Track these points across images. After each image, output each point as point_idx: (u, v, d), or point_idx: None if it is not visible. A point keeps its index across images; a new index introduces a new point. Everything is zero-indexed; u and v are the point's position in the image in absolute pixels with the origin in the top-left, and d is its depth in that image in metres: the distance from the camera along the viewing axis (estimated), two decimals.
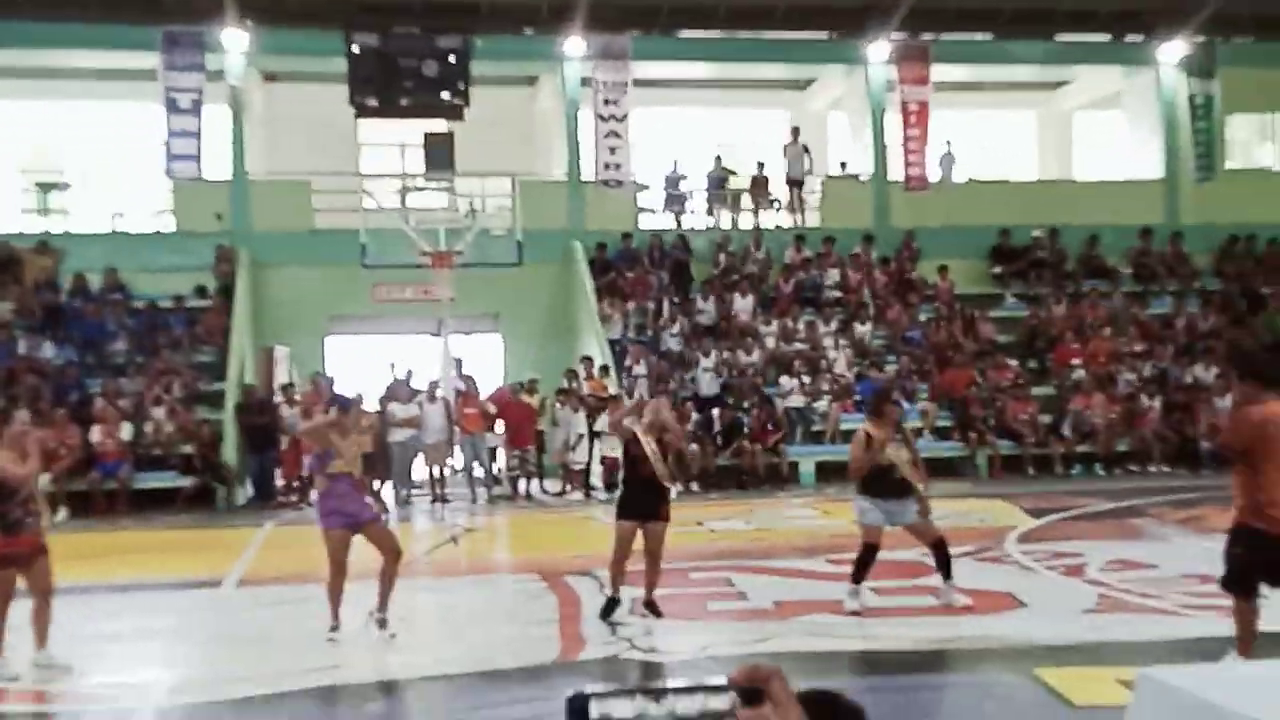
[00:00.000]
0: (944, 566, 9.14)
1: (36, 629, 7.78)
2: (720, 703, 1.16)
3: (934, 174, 23.77)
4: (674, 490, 9.19)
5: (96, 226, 22.13)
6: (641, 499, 8.94)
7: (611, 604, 9.06)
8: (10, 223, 22.06)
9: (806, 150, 23.45)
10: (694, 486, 17.86)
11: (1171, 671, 4.05)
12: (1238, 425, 6.86)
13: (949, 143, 24.14)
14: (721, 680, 1.18)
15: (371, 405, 18.01)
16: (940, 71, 23.45)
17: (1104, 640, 7.90)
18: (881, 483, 9.04)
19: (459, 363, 19.04)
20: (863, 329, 21.13)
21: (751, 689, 1.19)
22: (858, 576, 9.06)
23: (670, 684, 1.18)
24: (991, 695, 7.04)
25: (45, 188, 22.31)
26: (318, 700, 7.28)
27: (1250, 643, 6.71)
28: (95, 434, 17.18)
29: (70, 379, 18.44)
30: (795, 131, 23.64)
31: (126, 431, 17.46)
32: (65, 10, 20.73)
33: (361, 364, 20.73)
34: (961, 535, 10.13)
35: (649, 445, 8.90)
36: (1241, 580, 6.73)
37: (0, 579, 7.65)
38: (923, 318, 21.78)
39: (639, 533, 8.90)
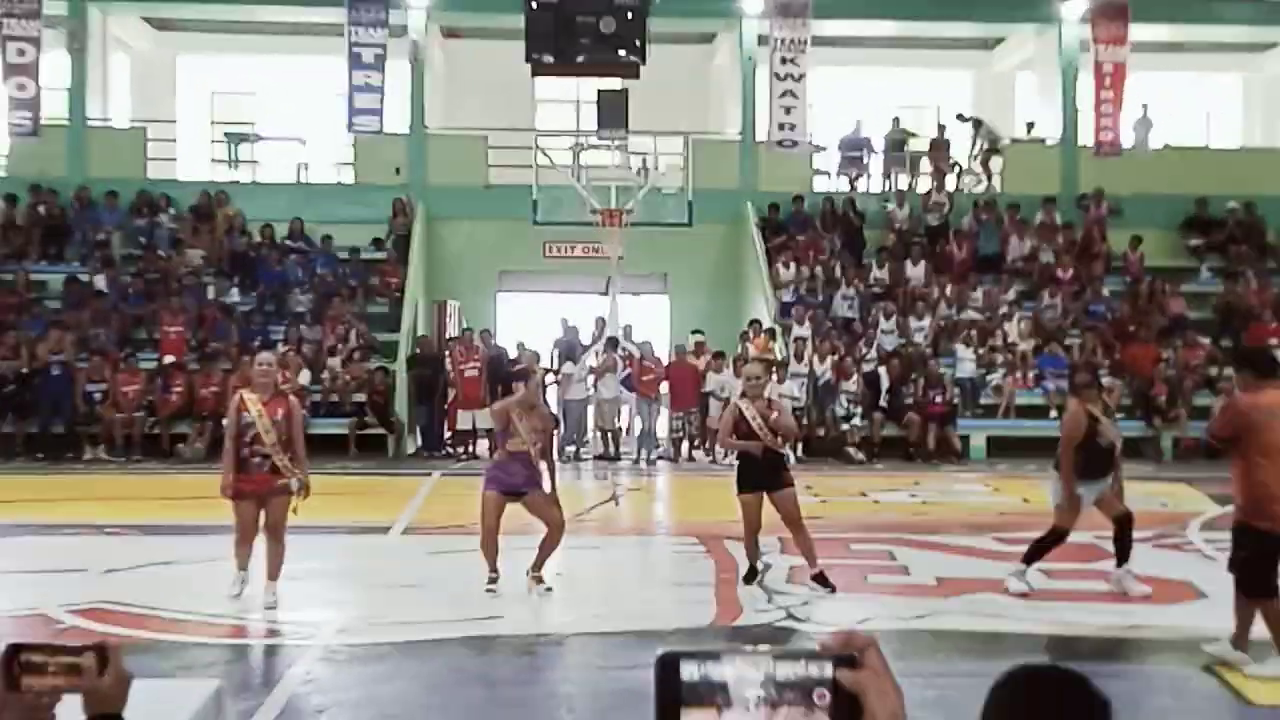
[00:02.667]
0: (1124, 549, 8.69)
1: (269, 563, 8.19)
2: (819, 670, 1.13)
3: (1127, 139, 22.67)
4: (791, 455, 8.98)
5: (282, 177, 22.89)
6: (758, 469, 8.77)
7: (752, 572, 8.97)
8: (202, 173, 22.99)
9: (979, 121, 22.71)
10: (858, 455, 17.55)
11: None
12: (1226, 413, 7.04)
13: (1145, 106, 22.97)
14: (817, 648, 1.15)
15: (544, 363, 18.29)
16: (1139, 31, 22.27)
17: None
18: (1094, 464, 8.54)
19: (628, 328, 19.09)
20: (1045, 300, 20.36)
21: (847, 656, 1.16)
22: (1032, 558, 8.67)
23: (765, 648, 1.15)
24: (1164, 689, 6.71)
25: (235, 139, 23.14)
26: (475, 649, 7.39)
27: None
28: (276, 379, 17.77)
29: (255, 325, 19.15)
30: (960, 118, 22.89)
31: (304, 377, 18.04)
32: None
33: (531, 321, 20.98)
34: (1142, 520, 9.62)
35: (754, 419, 8.68)
36: (1260, 582, 6.58)
37: (237, 511, 8.08)
38: (1109, 290, 20.86)
39: (770, 503, 8.75)
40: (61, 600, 8.20)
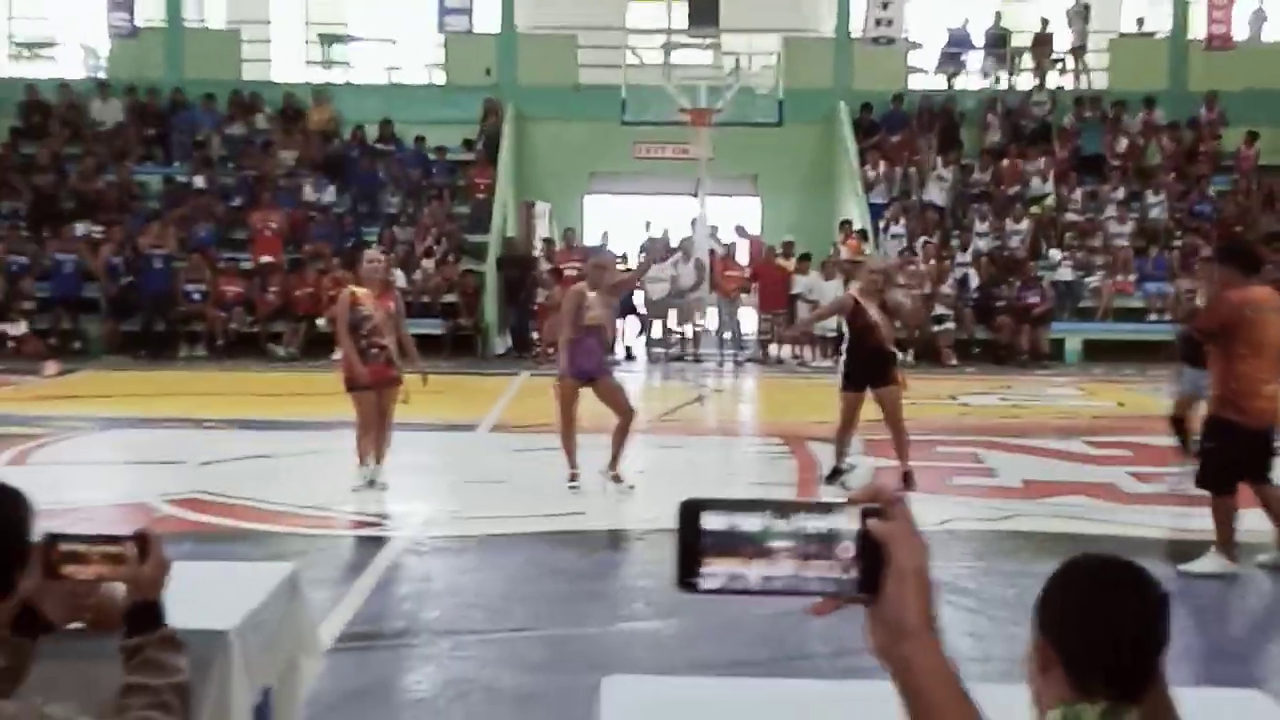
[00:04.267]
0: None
1: (378, 449, 8.47)
2: (846, 522, 1.12)
3: (1240, 32, 21.67)
4: (902, 356, 8.91)
5: (373, 78, 22.94)
6: (869, 368, 8.72)
7: (835, 473, 8.95)
8: (294, 73, 23.14)
9: (1088, 10, 21.80)
10: (952, 360, 17.32)
11: None
12: (1215, 307, 6.83)
13: None
14: (843, 499, 1.13)
15: (628, 262, 18.26)
16: None
17: None
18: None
19: (714, 229, 18.94)
20: (1149, 199, 19.73)
21: (875, 509, 1.13)
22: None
23: (795, 500, 1.13)
24: (1247, 592, 6.59)
25: (327, 40, 23.21)
26: (556, 544, 7.49)
27: (1232, 543, 6.57)
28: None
29: (348, 226, 19.38)
30: None
31: (400, 279, 18.25)
32: None
33: (621, 221, 20.93)
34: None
35: (874, 312, 8.62)
36: (1218, 477, 6.58)
37: (359, 401, 8.36)
38: (1215, 191, 20.12)
39: (875, 399, 8.71)
40: (159, 490, 8.48)
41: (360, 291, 8.37)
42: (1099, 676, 1.69)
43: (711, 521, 1.11)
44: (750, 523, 1.11)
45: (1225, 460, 6.56)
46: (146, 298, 17.73)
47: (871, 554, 1.12)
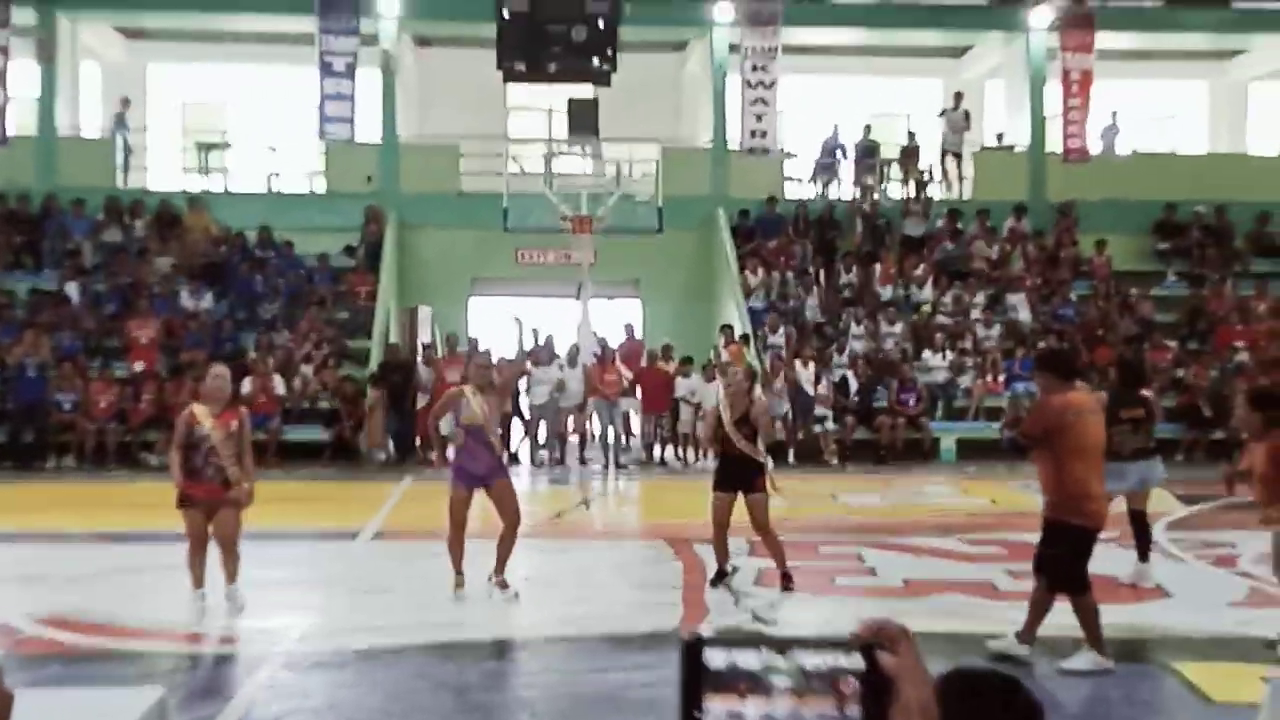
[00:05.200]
0: (1143, 546, 9.04)
1: (225, 570, 8.13)
2: (848, 659, 1.12)
3: (1095, 146, 22.87)
4: (769, 462, 9.03)
5: (253, 186, 22.80)
6: (734, 472, 8.84)
7: (720, 575, 8.99)
8: (172, 181, 22.89)
9: (968, 117, 22.78)
10: (832, 459, 17.61)
11: None
12: (1039, 412, 7.04)
13: (1114, 113, 23.19)
14: (846, 637, 1.14)
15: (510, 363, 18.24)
16: (1105, 39, 22.51)
17: (1250, 635, 7.49)
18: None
19: (601, 340, 19.11)
20: (1013, 303, 20.48)
21: (879, 645, 1.15)
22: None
23: (795, 636, 1.15)
24: (1126, 687, 6.74)
25: (205, 147, 23.07)
26: (440, 655, 7.36)
27: (1101, 639, 6.79)
28: (246, 386, 17.72)
29: (226, 332, 19.07)
30: (958, 97, 22.93)
31: (280, 386, 17.99)
32: None
33: (504, 326, 20.91)
34: (1109, 521, 9.71)
35: (728, 422, 8.76)
36: (1073, 578, 6.82)
37: (187, 519, 8.01)
38: (1076, 295, 21.01)
39: (743, 506, 8.81)
40: (24, 609, 8.14)
41: (199, 410, 8.09)
42: None
43: (714, 659, 1.12)
44: (752, 660, 1.12)
45: (1075, 562, 6.79)
46: (18, 408, 17.16)
47: (876, 689, 1.12)
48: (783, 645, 1.13)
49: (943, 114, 23.02)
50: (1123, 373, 9.89)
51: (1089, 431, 6.82)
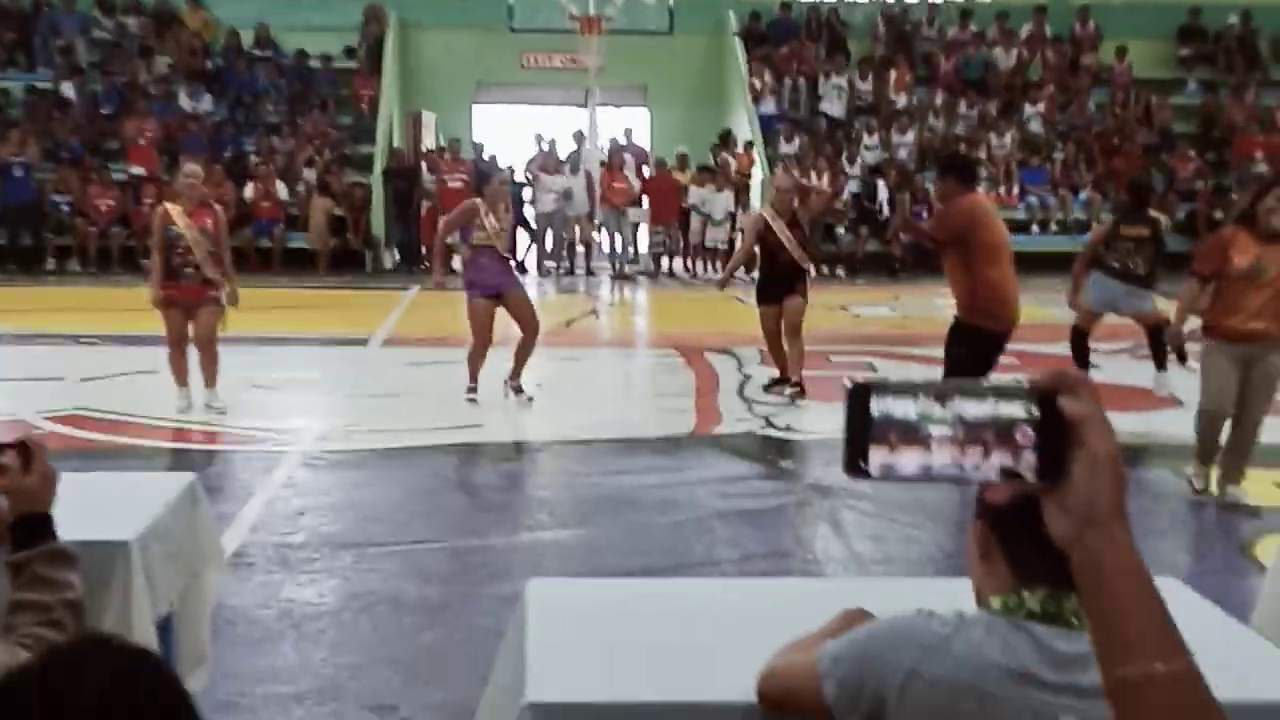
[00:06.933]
0: (1159, 357, 8.94)
1: (203, 372, 8.14)
2: (1014, 409, 1.03)
3: None
4: (812, 272, 9.00)
5: None
6: (781, 283, 8.82)
7: (775, 382, 8.99)
8: None
9: None
10: (839, 271, 17.51)
11: None
12: (946, 215, 7.00)
13: None
14: (1019, 384, 1.04)
15: (518, 176, 17.99)
16: None
17: (1266, 443, 7.51)
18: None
19: (612, 141, 18.74)
20: (1031, 111, 20.02)
21: (1052, 397, 1.04)
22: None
23: (960, 382, 1.05)
24: (1141, 493, 6.80)
25: None
26: (457, 456, 7.42)
27: None
28: (249, 191, 17.49)
29: (226, 135, 18.71)
30: None
31: (282, 191, 17.73)
32: None
33: (508, 133, 20.57)
34: (1120, 331, 9.67)
35: (782, 231, 8.65)
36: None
37: (166, 319, 7.98)
38: (1094, 103, 20.50)
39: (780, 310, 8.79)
40: (39, 407, 8.16)
41: (172, 208, 7.98)
42: (1039, 563, 1.68)
43: (881, 406, 1.04)
44: (921, 408, 1.04)
45: (977, 365, 6.80)
46: (8, 210, 16.95)
47: (1055, 438, 1.04)
48: (943, 393, 1.04)
49: None
50: (1131, 192, 9.75)
51: (998, 231, 6.89)
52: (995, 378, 1.09)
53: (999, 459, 1.03)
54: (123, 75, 19.32)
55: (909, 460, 1.04)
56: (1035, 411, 1.03)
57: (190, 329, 8.02)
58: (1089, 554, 1.05)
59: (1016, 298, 6.91)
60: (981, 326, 6.81)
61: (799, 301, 8.80)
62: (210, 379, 8.16)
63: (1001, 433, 1.03)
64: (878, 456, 1.04)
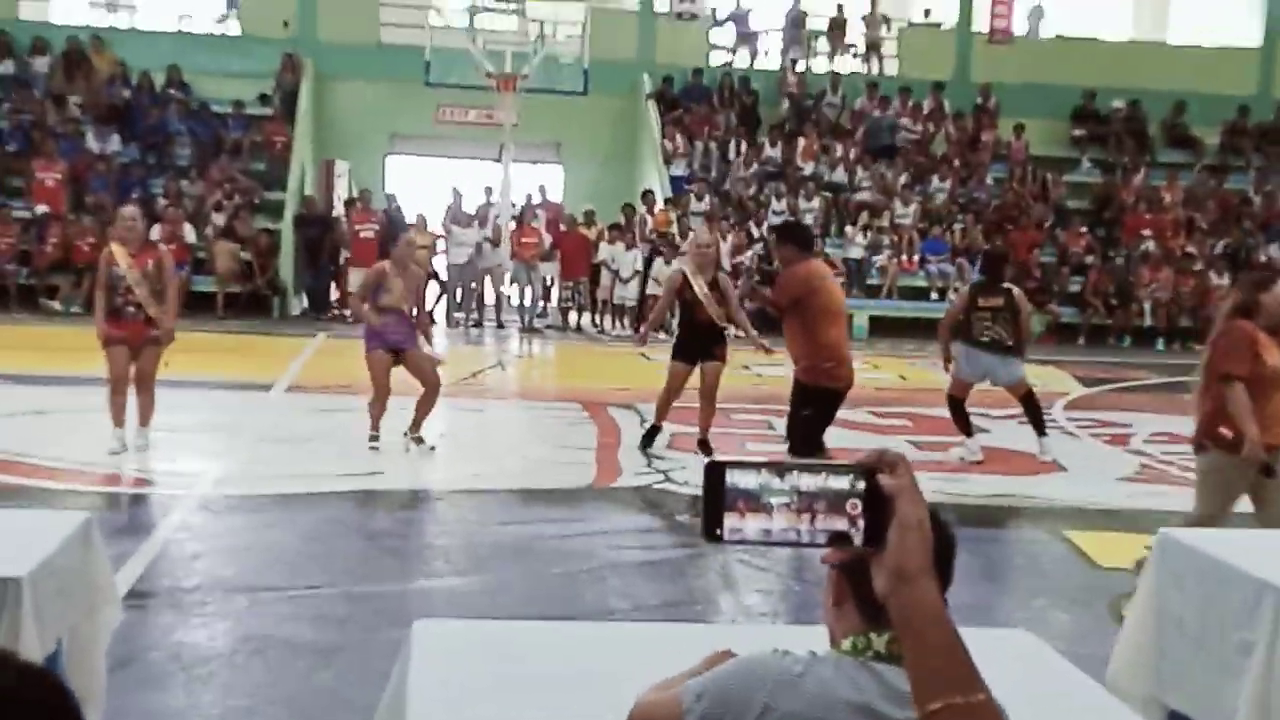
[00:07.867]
0: (1037, 424, 9.22)
1: (139, 412, 8.27)
2: (840, 483, 1.22)
3: (1020, 27, 22.89)
4: (730, 332, 9.17)
5: (161, 25, 21.95)
6: (698, 342, 8.94)
7: (653, 432, 9.13)
8: (77, 17, 21.91)
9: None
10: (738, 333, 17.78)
11: (1190, 533, 4.02)
12: (786, 282, 7.38)
13: None
14: (847, 462, 1.23)
15: (433, 228, 18.10)
16: None
17: (1138, 508, 7.86)
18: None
19: (526, 198, 18.93)
20: (934, 185, 20.66)
21: (875, 471, 1.23)
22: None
23: (795, 461, 1.24)
24: (1018, 552, 7.07)
25: None
26: (354, 502, 7.45)
27: None
28: (155, 233, 17.29)
29: (134, 177, 18.54)
30: None
31: (190, 234, 17.59)
32: None
33: (421, 185, 20.65)
34: (1009, 399, 10.03)
35: (700, 288, 8.82)
36: (815, 441, 7.32)
37: (110, 358, 8.09)
38: (993, 178, 21.23)
39: (696, 373, 8.94)
40: None
41: (117, 250, 8.15)
42: (885, 609, 1.83)
43: (733, 479, 1.21)
44: (763, 480, 1.21)
45: (823, 422, 7.33)
46: None
47: (877, 508, 1.22)
48: (783, 469, 1.22)
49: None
50: (987, 263, 10.11)
51: (834, 295, 7.40)
52: (830, 460, 1.33)
53: (829, 524, 1.22)
54: (30, 115, 19.06)
55: (754, 525, 1.22)
56: (860, 485, 1.22)
57: (132, 370, 8.10)
58: (901, 605, 1.24)
59: (850, 357, 7.42)
60: (823, 386, 7.26)
61: (718, 365, 8.95)
62: (145, 418, 8.28)
63: (834, 503, 1.22)
64: (730, 522, 1.22)
